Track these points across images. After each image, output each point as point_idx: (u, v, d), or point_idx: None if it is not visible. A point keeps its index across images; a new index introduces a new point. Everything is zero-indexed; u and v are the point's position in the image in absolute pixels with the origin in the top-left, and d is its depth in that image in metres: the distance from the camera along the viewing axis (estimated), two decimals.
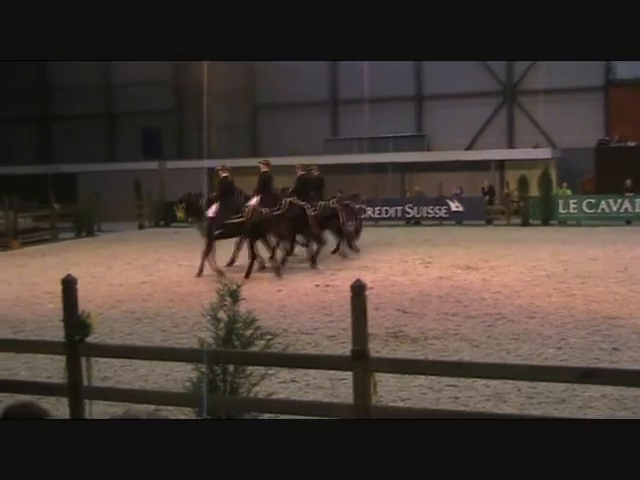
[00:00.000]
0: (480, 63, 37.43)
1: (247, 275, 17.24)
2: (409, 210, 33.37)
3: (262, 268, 18.34)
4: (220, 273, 17.17)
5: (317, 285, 16.56)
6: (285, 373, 8.87)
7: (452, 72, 36.91)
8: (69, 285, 6.98)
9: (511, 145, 38.26)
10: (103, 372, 9.04)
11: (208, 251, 18.24)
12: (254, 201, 18.62)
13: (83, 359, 6.99)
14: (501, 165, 37.13)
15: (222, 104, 36.53)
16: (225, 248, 19.31)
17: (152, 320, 13.42)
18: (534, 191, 32.00)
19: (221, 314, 6.71)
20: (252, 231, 18.05)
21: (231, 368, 6.73)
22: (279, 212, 18.61)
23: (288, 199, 19.42)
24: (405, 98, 38.73)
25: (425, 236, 26.94)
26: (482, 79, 37.77)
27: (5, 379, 8.77)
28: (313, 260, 19.30)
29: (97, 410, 7.10)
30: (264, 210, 18.22)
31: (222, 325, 6.71)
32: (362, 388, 5.93)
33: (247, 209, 18.32)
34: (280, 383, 8.72)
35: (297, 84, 38.81)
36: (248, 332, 6.70)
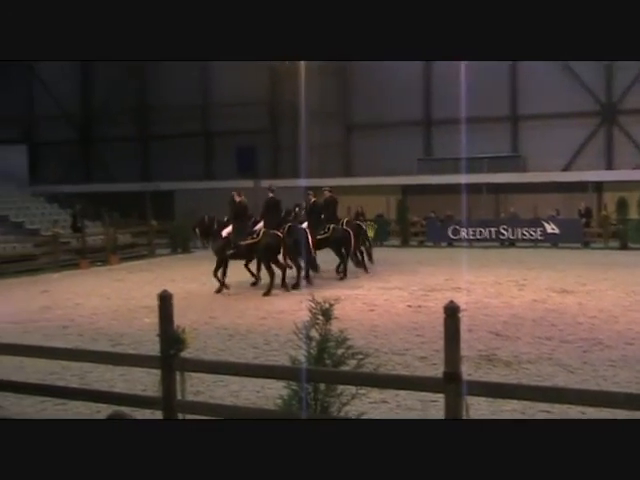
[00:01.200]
0: (578, 82, 36.74)
1: (265, 294, 18.54)
2: (503, 231, 32.88)
3: (254, 284, 19.98)
4: (226, 287, 19.09)
5: (409, 306, 16.48)
6: (376, 393, 8.82)
7: (548, 92, 36.35)
8: (165, 300, 7.12)
9: (610, 166, 37.34)
10: (196, 387, 9.17)
11: (218, 269, 19.53)
12: (260, 225, 19.90)
13: (177, 373, 7.12)
14: (599, 187, 36.30)
15: (316, 123, 36.91)
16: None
17: (244, 337, 13.57)
18: (633, 213, 31.11)
19: (313, 332, 6.74)
20: (264, 252, 19.21)
21: (322, 387, 6.74)
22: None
23: (288, 224, 20.48)
24: (500, 118, 38.28)
25: (519, 258, 26.52)
26: (580, 99, 37.01)
27: (103, 390, 9.00)
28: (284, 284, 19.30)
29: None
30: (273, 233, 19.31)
31: (314, 343, 6.74)
32: (454, 411, 5.86)
33: (259, 231, 19.55)
34: (370, 403, 8.68)
35: (391, 104, 38.82)
36: (340, 351, 6.71)
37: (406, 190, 37.23)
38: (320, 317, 6.74)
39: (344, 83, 40.41)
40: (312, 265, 20.46)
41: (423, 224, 34.56)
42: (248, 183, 39.08)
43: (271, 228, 19.47)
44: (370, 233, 34.10)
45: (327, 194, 22.47)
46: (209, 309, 16.66)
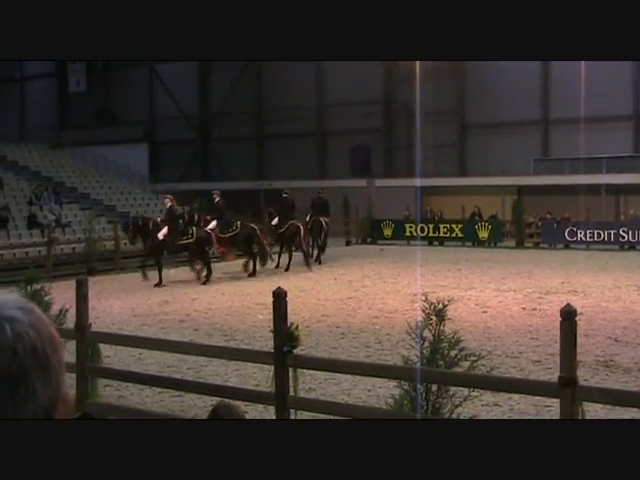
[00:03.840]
0: None
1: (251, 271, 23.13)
2: (623, 234, 31.84)
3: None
4: (159, 285, 21.18)
5: (524, 308, 16.18)
6: (489, 396, 8.72)
7: None
8: (279, 298, 7.23)
9: None
10: (308, 384, 9.27)
11: (157, 267, 22.01)
12: (212, 224, 23.01)
13: (290, 370, 7.22)
14: None
15: (431, 123, 36.63)
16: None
17: (356, 335, 13.61)
18: None
19: (426, 333, 6.72)
20: (243, 242, 23.35)
21: (434, 388, 6.71)
22: (235, 232, 23.35)
23: (239, 221, 24.39)
24: (621, 117, 37.09)
25: None
26: None
27: (218, 384, 9.21)
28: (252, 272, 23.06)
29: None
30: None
31: (427, 344, 6.72)
32: (569, 417, 5.73)
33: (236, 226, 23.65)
34: (483, 406, 8.59)
35: (507, 103, 38.18)
36: (453, 352, 6.67)
37: (522, 190, 36.52)
38: (433, 318, 6.71)
39: (459, 82, 39.97)
40: (262, 257, 23.55)
41: (539, 225, 33.83)
42: (361, 182, 39.20)
43: (285, 224, 24.68)
44: (484, 234, 33.82)
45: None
46: (322, 307, 16.80)
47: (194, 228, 22.47)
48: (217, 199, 24.36)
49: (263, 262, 23.47)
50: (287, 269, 24.01)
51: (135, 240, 23.14)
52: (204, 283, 21.43)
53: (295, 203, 26.38)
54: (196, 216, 24.20)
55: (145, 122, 48.17)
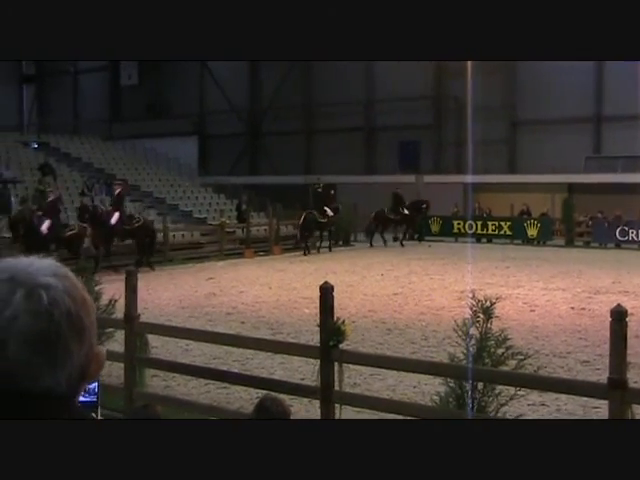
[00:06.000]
0: None
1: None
2: None
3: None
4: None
5: (572, 308, 16.00)
6: (535, 396, 8.64)
7: None
8: (326, 292, 7.25)
9: None
10: (353, 379, 9.27)
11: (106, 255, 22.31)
12: (116, 216, 22.98)
13: (336, 364, 7.23)
14: None
15: (481, 120, 36.33)
16: None
17: (402, 331, 13.59)
18: None
19: (473, 330, 6.68)
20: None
21: (480, 386, 6.67)
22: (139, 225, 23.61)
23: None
24: None
25: None
26: None
27: (263, 377, 9.26)
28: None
29: (345, 415, 7.31)
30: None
31: (473, 342, 6.68)
32: (618, 419, 5.66)
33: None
34: (529, 405, 8.51)
35: (559, 100, 37.68)
36: (500, 351, 6.62)
37: (572, 188, 36.04)
38: (480, 315, 6.67)
39: (510, 79, 39.55)
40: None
41: (589, 224, 33.37)
42: (410, 178, 39.04)
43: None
44: (533, 232, 33.47)
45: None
46: (369, 302, 16.78)
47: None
48: (118, 190, 24.40)
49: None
50: None
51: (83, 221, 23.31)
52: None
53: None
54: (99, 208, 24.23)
55: (195, 115, 48.54)
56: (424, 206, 33.33)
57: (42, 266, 1.46)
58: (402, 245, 31.44)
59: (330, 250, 29.66)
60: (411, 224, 33.10)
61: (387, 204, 32.71)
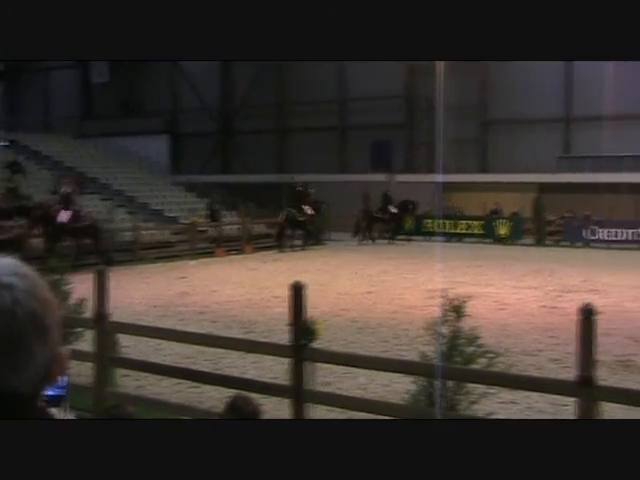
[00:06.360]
0: None
1: None
2: None
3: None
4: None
5: (543, 306, 16.12)
6: (505, 393, 8.69)
7: None
8: (298, 291, 7.24)
9: None
10: (325, 378, 9.27)
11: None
12: (66, 214, 23.00)
13: (307, 363, 7.22)
14: None
15: (452, 119, 36.49)
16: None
17: (374, 330, 13.61)
18: None
19: (444, 329, 6.71)
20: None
21: (451, 384, 6.70)
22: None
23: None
24: None
25: None
26: None
27: (235, 376, 9.23)
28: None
29: (316, 414, 7.31)
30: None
31: (444, 340, 6.71)
32: (586, 416, 5.71)
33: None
34: (499, 403, 8.56)
35: (530, 100, 37.97)
36: (470, 349, 6.65)
37: (543, 188, 36.33)
38: (451, 314, 6.70)
39: (482, 79, 39.77)
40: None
41: (560, 223, 33.66)
42: (382, 177, 39.12)
43: None
44: (504, 231, 33.69)
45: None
46: (341, 301, 16.80)
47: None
48: (67, 187, 24.60)
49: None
50: None
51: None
52: None
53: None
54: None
55: (167, 114, 48.30)
56: (411, 206, 34.13)
57: (2, 266, 1.43)
58: (391, 243, 32.04)
59: (304, 249, 29.77)
60: (399, 223, 34.03)
61: (360, 203, 32.88)
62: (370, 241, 32.47)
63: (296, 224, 30.07)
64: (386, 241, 33.10)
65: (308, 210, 30.57)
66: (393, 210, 33.72)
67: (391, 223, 33.83)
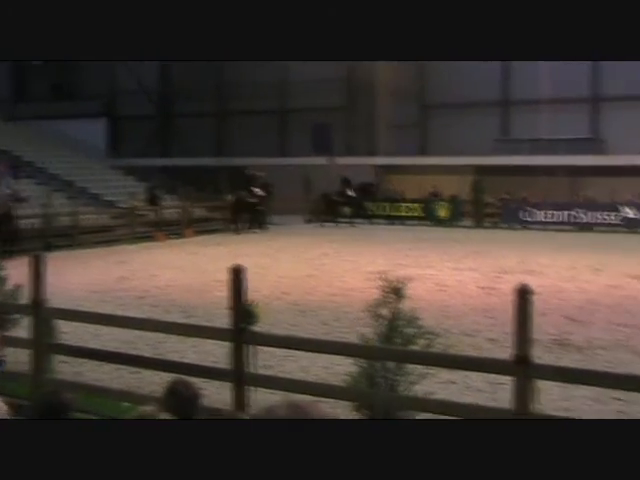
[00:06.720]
0: None
1: None
2: (581, 215, 32.25)
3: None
4: None
5: (481, 287, 16.35)
6: (445, 374, 8.80)
7: (633, 73, 35.31)
8: (237, 274, 7.22)
9: None
10: (266, 361, 9.27)
11: None
12: None
13: (248, 347, 7.22)
14: None
15: (391, 102, 36.66)
16: None
17: (315, 313, 13.66)
18: None
19: (384, 311, 6.76)
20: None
21: (391, 365, 6.76)
22: None
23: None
24: (580, 100, 37.39)
25: (595, 243, 26.00)
26: None
27: (175, 361, 9.19)
28: None
29: (258, 397, 7.31)
30: None
31: (384, 322, 6.76)
32: (522, 394, 5.82)
33: None
34: (439, 383, 8.66)
35: (468, 84, 38.30)
36: (410, 330, 6.72)
37: (481, 171, 36.75)
38: (391, 296, 6.75)
39: (420, 62, 39.95)
40: None
41: (498, 206, 34.12)
42: (322, 160, 39.14)
43: None
44: (443, 213, 34.05)
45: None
46: (282, 284, 16.81)
47: None
48: None
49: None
50: None
51: None
52: None
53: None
54: None
55: (105, 96, 47.50)
56: (372, 189, 34.53)
57: None
58: (353, 226, 32.37)
59: (254, 232, 29.94)
60: (359, 206, 34.30)
61: (300, 186, 32.93)
62: (333, 224, 32.65)
63: (245, 206, 30.18)
64: (347, 224, 33.12)
65: (258, 192, 30.83)
66: (351, 194, 33.87)
67: (351, 206, 34.03)
